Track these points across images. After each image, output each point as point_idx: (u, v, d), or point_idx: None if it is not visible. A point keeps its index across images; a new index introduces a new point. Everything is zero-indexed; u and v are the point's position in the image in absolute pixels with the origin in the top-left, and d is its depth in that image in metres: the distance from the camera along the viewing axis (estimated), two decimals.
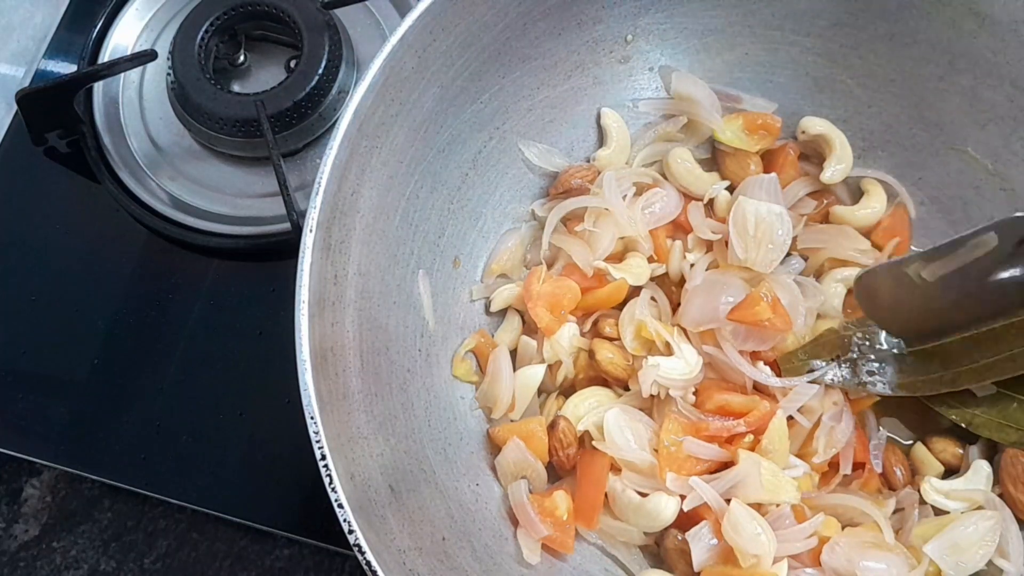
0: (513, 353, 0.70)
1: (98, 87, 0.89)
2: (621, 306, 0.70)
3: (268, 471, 0.75)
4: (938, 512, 0.64)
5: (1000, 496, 0.64)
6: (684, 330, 0.68)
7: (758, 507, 0.61)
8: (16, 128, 0.89)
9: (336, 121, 0.66)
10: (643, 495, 0.62)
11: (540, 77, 0.72)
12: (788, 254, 0.69)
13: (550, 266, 0.72)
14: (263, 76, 0.89)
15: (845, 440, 0.65)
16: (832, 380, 0.66)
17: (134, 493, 0.78)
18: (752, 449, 0.63)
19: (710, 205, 0.73)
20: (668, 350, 0.66)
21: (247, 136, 0.82)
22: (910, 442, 0.69)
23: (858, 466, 0.66)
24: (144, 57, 0.84)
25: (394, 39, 0.60)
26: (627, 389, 0.68)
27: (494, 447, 0.68)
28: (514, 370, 0.68)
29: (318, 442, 0.51)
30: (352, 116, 0.58)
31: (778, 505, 0.62)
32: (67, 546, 0.80)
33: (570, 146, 0.76)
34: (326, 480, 0.51)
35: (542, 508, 0.63)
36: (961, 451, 0.67)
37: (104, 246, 0.84)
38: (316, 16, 0.84)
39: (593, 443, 0.65)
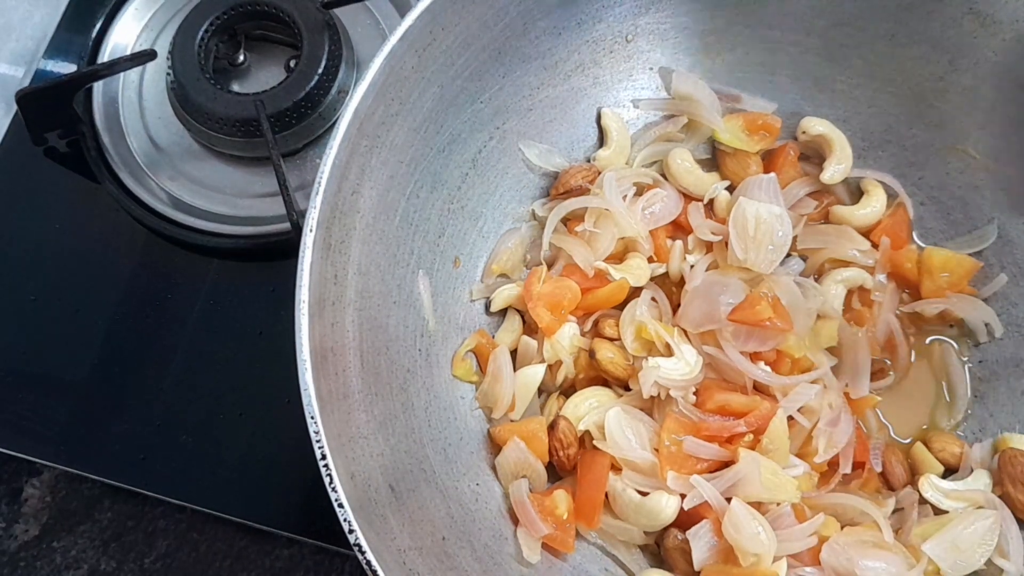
0: (513, 353, 0.70)
1: (98, 87, 0.88)
2: (621, 306, 0.70)
3: (268, 471, 0.75)
4: (938, 512, 0.64)
5: (1000, 496, 0.64)
6: (684, 330, 0.68)
7: (758, 506, 0.61)
8: (16, 128, 0.88)
9: (336, 121, 0.66)
10: (644, 494, 0.63)
11: (540, 77, 0.72)
12: (788, 255, 0.69)
13: (550, 266, 0.72)
14: (263, 76, 0.88)
15: (845, 440, 0.65)
16: None
17: (134, 493, 0.78)
18: (752, 448, 0.63)
19: (710, 205, 0.73)
20: (668, 351, 0.66)
21: (247, 136, 0.82)
22: (910, 441, 0.69)
23: (858, 465, 0.66)
24: (144, 57, 0.83)
25: (394, 38, 0.60)
26: (627, 389, 0.68)
27: (494, 447, 0.68)
28: (514, 370, 0.68)
29: (318, 442, 0.51)
30: (352, 116, 0.58)
31: (778, 504, 0.62)
32: (67, 546, 0.80)
33: (570, 146, 0.76)
34: (326, 480, 0.51)
35: (542, 507, 0.64)
36: (960, 450, 0.67)
37: (104, 246, 0.84)
38: (316, 16, 0.83)
39: (594, 443, 0.65)
